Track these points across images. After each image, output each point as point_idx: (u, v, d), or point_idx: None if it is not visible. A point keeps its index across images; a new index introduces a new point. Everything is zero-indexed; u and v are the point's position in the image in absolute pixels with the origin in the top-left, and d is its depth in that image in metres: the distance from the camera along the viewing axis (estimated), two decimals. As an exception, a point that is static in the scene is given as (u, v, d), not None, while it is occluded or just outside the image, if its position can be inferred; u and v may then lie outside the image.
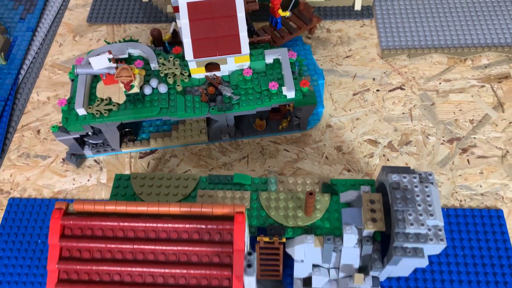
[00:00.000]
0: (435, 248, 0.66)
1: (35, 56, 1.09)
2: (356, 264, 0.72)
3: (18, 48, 1.09)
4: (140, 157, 0.94)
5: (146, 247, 0.62)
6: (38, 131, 0.99)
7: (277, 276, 0.78)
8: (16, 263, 0.83)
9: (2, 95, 1.01)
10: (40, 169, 0.94)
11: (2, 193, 0.91)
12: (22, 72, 1.06)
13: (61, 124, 0.96)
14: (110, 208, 0.62)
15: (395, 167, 0.71)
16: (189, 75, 0.89)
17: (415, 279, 0.79)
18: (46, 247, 0.85)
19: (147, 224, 0.62)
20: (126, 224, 0.62)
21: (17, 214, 0.89)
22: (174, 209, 0.62)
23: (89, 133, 0.89)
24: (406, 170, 0.70)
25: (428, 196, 0.67)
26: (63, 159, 0.94)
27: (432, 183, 0.69)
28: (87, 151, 0.93)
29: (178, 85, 0.87)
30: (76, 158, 0.92)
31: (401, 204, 0.66)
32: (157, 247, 0.61)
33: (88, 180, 0.92)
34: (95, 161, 0.94)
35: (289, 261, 0.81)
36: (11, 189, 0.92)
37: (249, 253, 0.57)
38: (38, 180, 0.92)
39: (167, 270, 0.61)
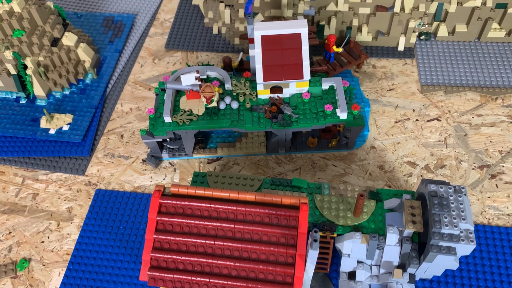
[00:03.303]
0: (466, 248, 0.77)
1: (120, 73, 1.28)
2: (396, 261, 0.84)
3: (107, 66, 1.28)
4: (208, 163, 1.09)
5: (226, 225, 0.76)
6: (122, 136, 1.16)
7: (325, 270, 0.90)
8: (101, 243, 0.98)
9: (93, 104, 1.19)
10: (123, 167, 1.10)
11: (91, 184, 1.08)
12: (109, 86, 1.25)
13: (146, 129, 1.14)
14: (200, 192, 0.77)
15: (433, 180, 0.84)
16: (256, 95, 1.05)
17: (446, 282, 0.89)
18: (126, 231, 1.00)
19: (228, 207, 0.76)
20: (211, 205, 0.77)
21: (103, 203, 1.04)
22: (251, 197, 0.76)
23: (168, 139, 1.06)
24: (442, 182, 0.83)
25: (461, 204, 0.79)
26: (143, 160, 1.10)
27: (464, 194, 0.82)
28: (164, 154, 1.09)
29: (247, 103, 1.03)
30: (155, 159, 1.08)
31: (438, 209, 0.78)
32: (235, 226, 0.75)
33: (164, 179, 1.07)
34: (170, 163, 1.10)
35: (334, 259, 0.94)
36: (97, 182, 1.08)
37: (315, 231, 0.70)
38: (121, 176, 1.09)
39: (242, 245, 0.74)
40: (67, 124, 1.15)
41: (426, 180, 0.84)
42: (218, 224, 0.76)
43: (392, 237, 0.81)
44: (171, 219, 0.77)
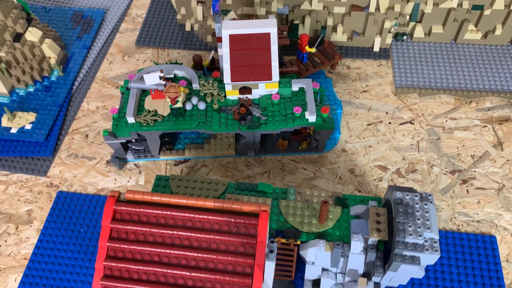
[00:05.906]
0: (430, 258, 0.75)
1: (88, 70, 1.24)
2: (361, 269, 0.82)
3: (74, 63, 1.24)
4: (175, 165, 1.06)
5: (183, 233, 0.72)
6: (86, 136, 1.12)
7: (289, 277, 0.88)
8: (60, 248, 0.95)
9: (58, 102, 1.15)
10: (86, 169, 1.06)
11: (52, 186, 1.04)
12: (76, 83, 1.21)
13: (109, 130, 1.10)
14: (156, 198, 0.74)
15: (400, 186, 0.82)
16: (225, 96, 1.02)
17: (412, 290, 0.88)
18: (87, 235, 0.97)
19: (186, 214, 0.73)
20: (168, 213, 0.73)
21: (64, 205, 1.01)
22: (209, 204, 0.73)
23: (133, 140, 1.02)
24: (409, 189, 0.81)
25: (427, 212, 0.77)
26: (107, 161, 1.07)
27: (431, 202, 0.80)
28: (129, 156, 1.05)
29: (214, 104, 1.00)
30: (119, 161, 1.04)
31: (402, 217, 0.76)
32: (192, 234, 0.72)
33: (128, 181, 1.04)
34: (135, 165, 1.06)
35: (300, 265, 0.91)
36: (59, 183, 1.04)
37: (272, 241, 0.68)
38: (84, 177, 1.05)
39: (199, 255, 0.71)
40: (30, 123, 1.11)
41: (393, 187, 0.82)
42: (175, 232, 0.73)
43: (356, 245, 0.79)
44: (125, 227, 0.73)
